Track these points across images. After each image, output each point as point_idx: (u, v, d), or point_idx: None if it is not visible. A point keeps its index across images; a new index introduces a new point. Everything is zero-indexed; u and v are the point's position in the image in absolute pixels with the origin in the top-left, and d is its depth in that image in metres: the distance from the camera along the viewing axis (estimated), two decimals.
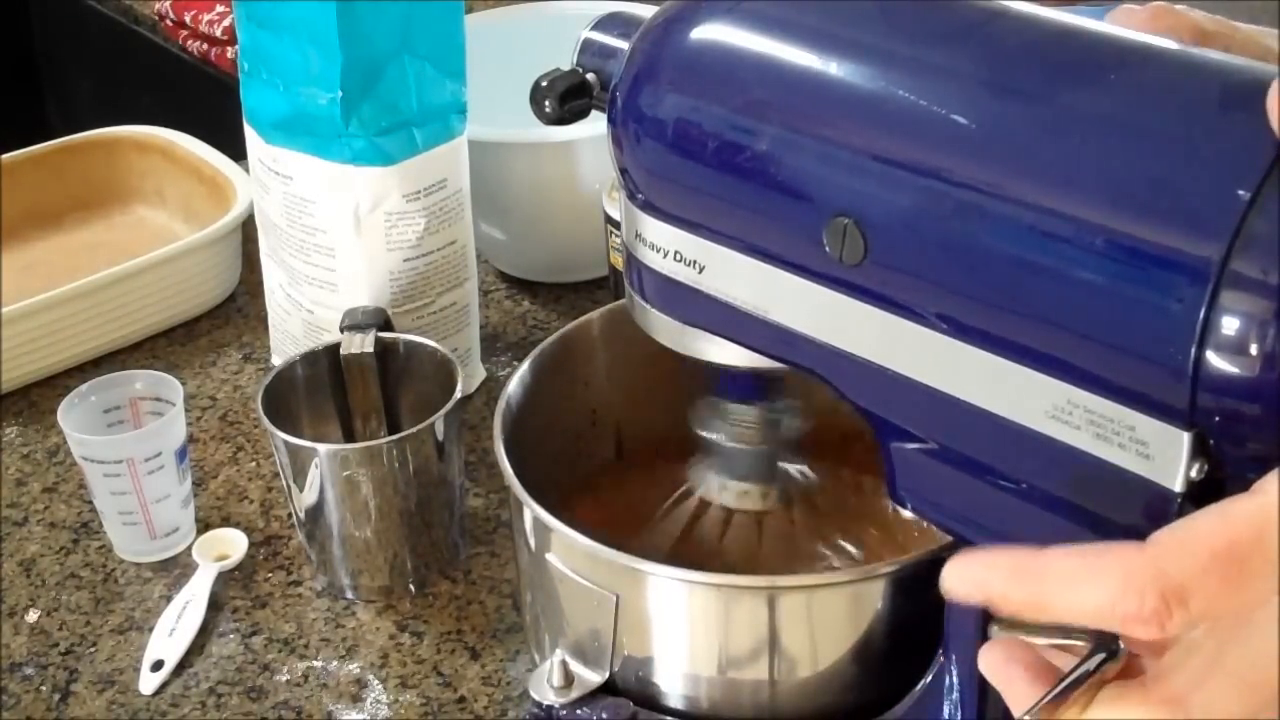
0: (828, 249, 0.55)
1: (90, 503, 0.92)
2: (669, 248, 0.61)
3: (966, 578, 0.46)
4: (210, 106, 1.34)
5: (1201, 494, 0.49)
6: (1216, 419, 0.46)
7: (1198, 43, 0.51)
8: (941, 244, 0.52)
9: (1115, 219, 0.47)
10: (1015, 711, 0.48)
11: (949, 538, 0.59)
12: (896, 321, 0.54)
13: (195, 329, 1.12)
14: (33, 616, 0.87)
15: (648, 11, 0.63)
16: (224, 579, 0.89)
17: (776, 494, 0.74)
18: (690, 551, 0.74)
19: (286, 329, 1.01)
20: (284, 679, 0.82)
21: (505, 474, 0.71)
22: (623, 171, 0.61)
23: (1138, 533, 0.44)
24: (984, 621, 0.55)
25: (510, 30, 1.18)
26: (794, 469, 0.75)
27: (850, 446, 0.80)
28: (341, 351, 0.88)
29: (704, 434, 0.72)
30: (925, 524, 0.60)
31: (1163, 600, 0.41)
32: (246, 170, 1.02)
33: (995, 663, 0.50)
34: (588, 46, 0.66)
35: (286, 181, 0.94)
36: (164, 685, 0.82)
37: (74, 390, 0.89)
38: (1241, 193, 0.45)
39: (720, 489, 0.73)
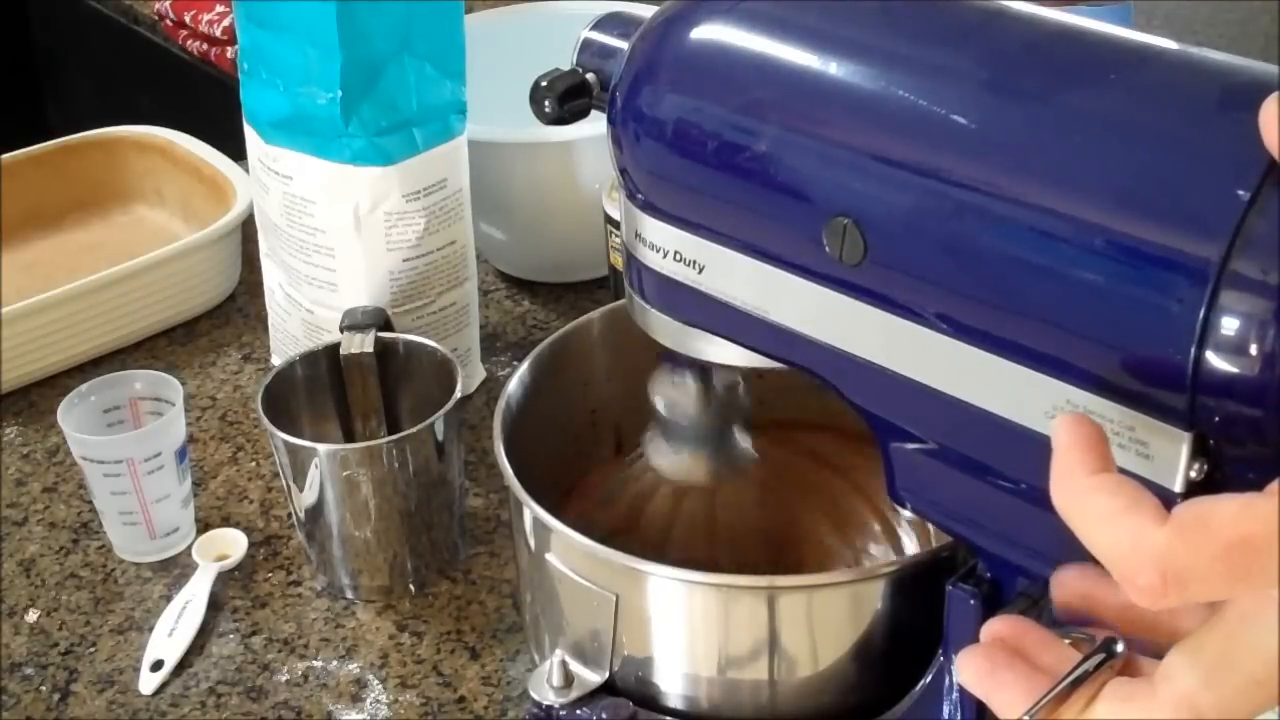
0: (827, 249, 0.55)
1: (90, 503, 0.92)
2: (669, 248, 0.61)
3: (1054, 434, 0.46)
4: (210, 106, 1.34)
5: (1201, 494, 0.49)
6: (1216, 419, 0.46)
7: None
8: (941, 244, 0.52)
9: (1115, 219, 0.47)
10: (1008, 714, 0.48)
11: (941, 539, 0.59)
12: (896, 321, 0.54)
13: (195, 329, 1.12)
14: (33, 616, 0.87)
15: (648, 11, 0.63)
16: (224, 579, 0.89)
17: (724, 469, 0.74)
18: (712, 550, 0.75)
19: (286, 329, 1.01)
20: (284, 679, 0.82)
21: (505, 474, 0.71)
22: (623, 171, 0.61)
23: None
24: (984, 622, 0.55)
25: (510, 30, 1.18)
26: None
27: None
28: (341, 351, 0.88)
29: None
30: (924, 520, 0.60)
31: (1162, 579, 0.42)
32: (246, 170, 1.02)
33: (979, 671, 0.49)
34: (588, 46, 0.66)
35: (286, 181, 0.94)
36: (164, 685, 0.82)
37: (74, 390, 0.89)
38: (1241, 193, 0.45)
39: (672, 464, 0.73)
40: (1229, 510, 0.41)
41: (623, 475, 0.81)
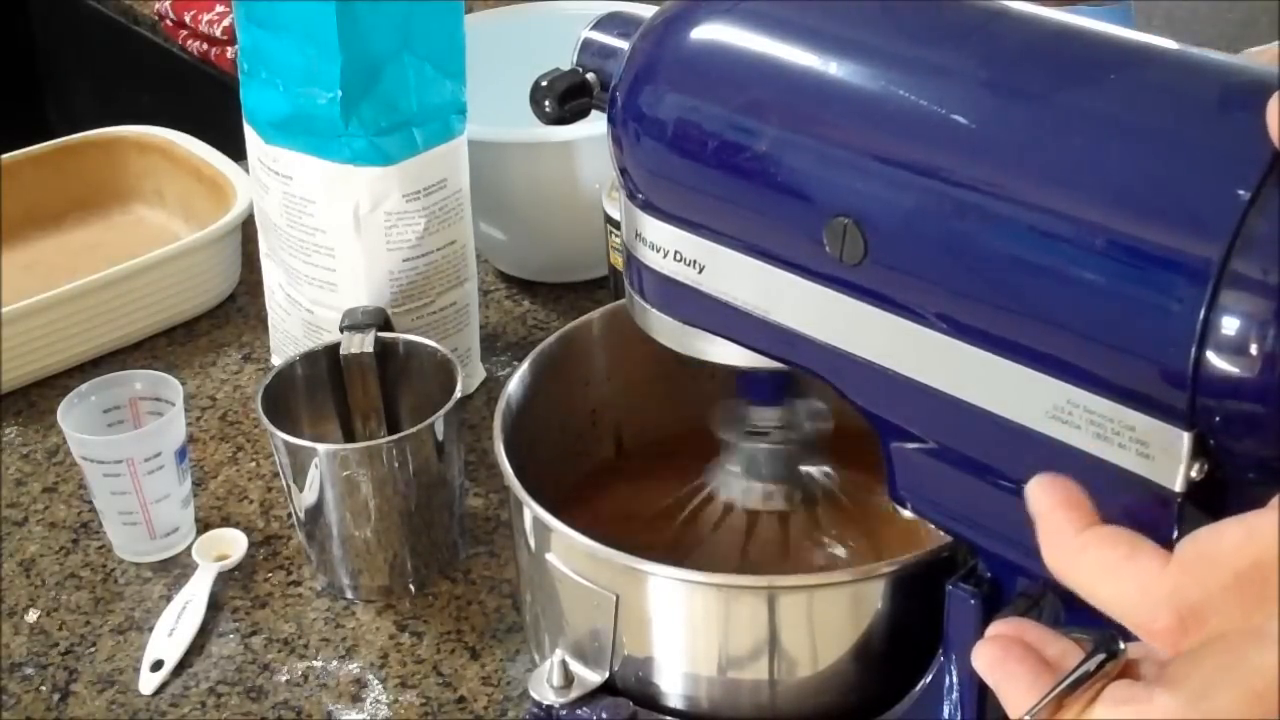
0: (828, 249, 0.55)
1: (90, 503, 0.92)
2: (669, 248, 0.61)
3: (1031, 501, 0.46)
4: (210, 106, 1.34)
5: (1201, 494, 0.49)
6: (1216, 419, 0.46)
7: None
8: (941, 244, 0.52)
9: (1115, 219, 0.47)
10: (1011, 712, 0.48)
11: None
12: (897, 321, 0.54)
13: (195, 329, 1.12)
14: (33, 616, 0.87)
15: (648, 11, 0.63)
16: (224, 579, 0.89)
17: (799, 495, 0.74)
18: (711, 555, 0.75)
19: (286, 329, 1.01)
20: (284, 679, 0.82)
21: (505, 474, 0.71)
22: (623, 171, 0.61)
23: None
24: (984, 621, 0.55)
25: (510, 30, 1.18)
26: (816, 470, 0.76)
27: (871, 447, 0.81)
28: (341, 351, 0.88)
29: (725, 437, 0.73)
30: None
31: (1178, 619, 0.41)
32: (246, 170, 1.02)
33: (992, 660, 0.49)
34: (588, 46, 0.66)
35: (286, 181, 0.94)
36: (164, 685, 0.82)
37: (74, 390, 0.89)
38: (1241, 193, 0.45)
39: (744, 492, 0.73)
40: (1233, 537, 0.41)
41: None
